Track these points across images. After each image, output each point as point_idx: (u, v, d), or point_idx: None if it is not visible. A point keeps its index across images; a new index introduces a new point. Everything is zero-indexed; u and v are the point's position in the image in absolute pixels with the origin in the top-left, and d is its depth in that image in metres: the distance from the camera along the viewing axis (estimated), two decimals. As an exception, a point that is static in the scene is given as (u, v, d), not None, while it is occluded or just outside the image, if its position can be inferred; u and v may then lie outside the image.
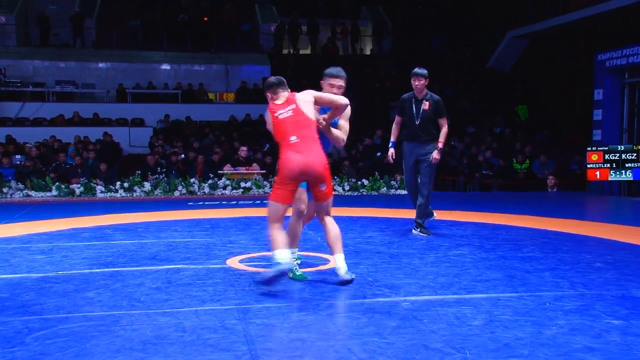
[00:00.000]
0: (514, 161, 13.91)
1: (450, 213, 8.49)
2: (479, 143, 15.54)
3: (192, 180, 11.95)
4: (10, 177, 11.68)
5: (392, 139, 6.85)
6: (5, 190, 11.02)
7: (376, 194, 11.87)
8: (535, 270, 4.75)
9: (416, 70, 6.59)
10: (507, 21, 20.81)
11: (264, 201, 10.55)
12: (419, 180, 6.70)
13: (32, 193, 11.18)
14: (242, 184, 11.88)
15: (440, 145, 6.53)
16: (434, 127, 6.56)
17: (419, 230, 6.67)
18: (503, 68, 21.45)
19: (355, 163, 13.71)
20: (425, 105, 6.55)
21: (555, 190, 12.27)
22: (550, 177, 12.43)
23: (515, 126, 17.79)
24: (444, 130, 6.54)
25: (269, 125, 4.46)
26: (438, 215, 7.12)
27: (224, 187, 11.87)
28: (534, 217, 8.12)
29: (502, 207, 9.38)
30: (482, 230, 6.92)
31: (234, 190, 11.83)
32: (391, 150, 6.81)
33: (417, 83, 6.55)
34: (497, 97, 19.79)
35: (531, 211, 8.71)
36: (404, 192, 11.95)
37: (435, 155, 6.51)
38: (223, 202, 10.42)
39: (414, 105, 6.61)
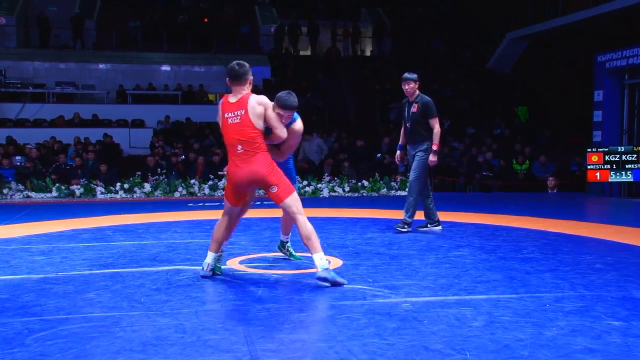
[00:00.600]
0: (514, 162, 13.91)
1: (451, 214, 8.49)
2: (479, 144, 15.54)
3: (192, 181, 11.95)
4: (10, 178, 11.68)
5: (400, 142, 7.09)
6: (5, 191, 11.02)
7: (376, 195, 11.87)
8: (535, 272, 4.75)
9: (405, 75, 6.83)
10: (506, 22, 20.82)
11: (264, 202, 10.55)
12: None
13: (33, 194, 11.18)
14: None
15: (434, 147, 6.64)
16: (424, 128, 6.71)
17: (401, 225, 6.81)
18: (503, 69, 21.46)
19: (356, 164, 13.70)
20: (414, 107, 6.76)
21: (555, 191, 12.27)
22: (551, 178, 12.43)
23: (515, 127, 17.80)
24: (435, 131, 6.65)
25: (219, 120, 4.46)
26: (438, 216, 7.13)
27: (224, 189, 11.86)
28: (534, 218, 8.12)
29: (502, 208, 9.38)
30: (482, 232, 6.92)
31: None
32: (397, 152, 7.13)
33: (406, 87, 6.80)
34: (497, 98, 19.81)
35: (531, 212, 8.71)
36: (404, 193, 11.96)
37: (431, 157, 6.63)
38: (223, 204, 10.40)
39: (406, 109, 6.88)
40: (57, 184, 11.41)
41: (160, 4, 22.68)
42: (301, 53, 22.72)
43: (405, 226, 6.79)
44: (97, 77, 19.77)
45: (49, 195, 11.19)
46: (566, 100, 18.69)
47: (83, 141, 14.92)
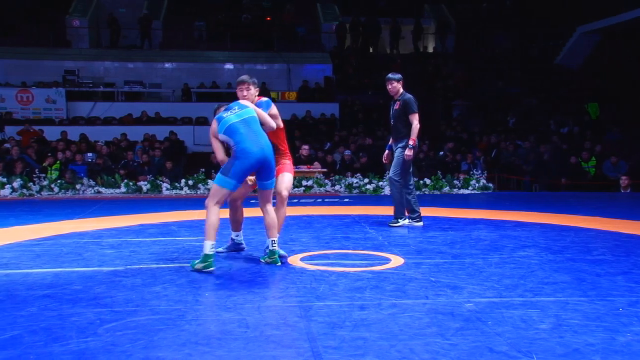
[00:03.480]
0: (581, 159, 13.44)
1: (515, 213, 8.29)
2: (546, 142, 15.09)
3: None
4: (82, 174, 12.16)
5: (389, 142, 7.35)
6: (78, 186, 11.48)
7: (438, 193, 11.71)
8: (606, 274, 4.57)
9: (389, 75, 7.07)
10: (577, 16, 20.10)
11: (325, 199, 10.55)
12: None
13: (103, 190, 11.60)
14: (304, 182, 11.95)
15: (410, 142, 6.82)
16: (404, 125, 6.95)
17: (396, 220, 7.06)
18: (572, 65, 20.74)
19: (418, 162, 13.55)
20: (396, 105, 6.98)
21: (629, 191, 11.77)
22: (624, 177, 11.93)
23: (585, 125, 17.18)
24: (413, 127, 6.84)
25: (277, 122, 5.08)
26: (499, 215, 7.03)
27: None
28: (605, 218, 7.81)
29: (570, 208, 9.07)
30: (548, 232, 6.71)
31: (296, 189, 11.91)
32: (385, 152, 7.38)
33: (389, 87, 7.02)
34: (566, 94, 19.17)
35: (602, 213, 8.39)
36: (467, 191, 11.75)
37: (407, 152, 6.84)
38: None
39: (391, 107, 7.16)
40: (126, 180, 11.79)
41: (224, 4, 23.08)
42: (363, 50, 22.63)
43: (414, 219, 7.06)
44: (163, 75, 20.33)
45: (117, 190, 11.58)
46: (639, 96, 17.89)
47: (150, 138, 15.37)
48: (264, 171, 4.85)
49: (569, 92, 19.26)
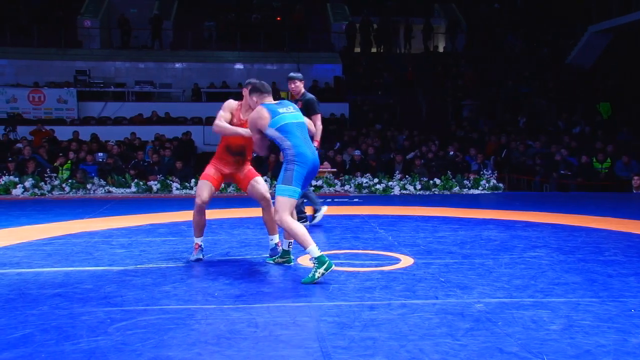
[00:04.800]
0: (594, 160, 13.34)
1: (526, 214, 8.25)
2: (557, 142, 15.01)
3: (264, 178, 12.12)
4: (93, 174, 12.22)
5: None
6: (89, 186, 11.54)
7: (448, 193, 11.67)
8: (618, 275, 4.54)
9: (292, 74, 6.93)
10: (588, 15, 19.97)
11: (335, 199, 10.54)
12: None
13: (113, 189, 11.64)
14: (313, 182, 11.95)
15: (315, 144, 6.39)
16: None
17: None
18: (583, 64, 20.61)
19: (428, 162, 13.52)
20: (299, 104, 6.72)
21: (640, 191, 11.67)
22: (636, 177, 11.83)
23: (596, 125, 17.06)
24: (316, 127, 6.53)
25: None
26: (509, 215, 6.98)
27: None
28: (617, 219, 7.75)
29: (581, 208, 9.01)
30: (559, 232, 6.67)
31: (305, 189, 11.91)
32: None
33: (292, 86, 6.84)
34: (577, 94, 19.05)
35: (614, 213, 8.33)
36: (477, 191, 11.70)
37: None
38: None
39: None
40: (136, 180, 11.84)
41: (234, 4, 23.13)
42: (372, 50, 22.60)
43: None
44: (174, 75, 20.41)
45: (128, 190, 11.63)
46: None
47: (159, 138, 15.42)
48: (308, 180, 4.61)
49: (580, 92, 19.14)
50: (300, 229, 4.39)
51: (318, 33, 22.19)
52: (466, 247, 5.76)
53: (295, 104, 6.91)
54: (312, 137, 5.12)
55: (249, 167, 5.21)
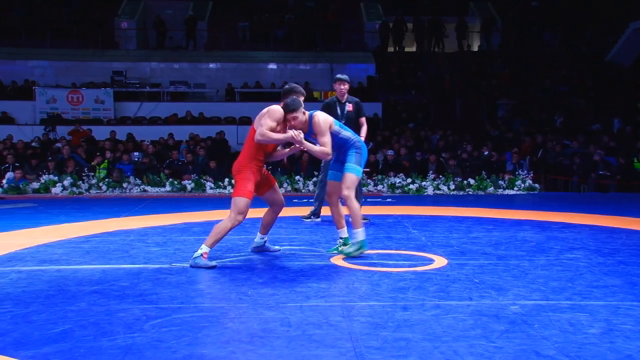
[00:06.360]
0: (635, 161, 13.01)
1: (563, 214, 8.09)
2: (596, 142, 14.68)
3: (297, 177, 12.15)
4: (129, 173, 12.42)
5: None
6: (125, 185, 11.74)
7: (482, 193, 11.53)
8: (659, 278, 4.42)
9: (339, 76, 7.39)
10: (629, 11, 19.48)
11: (368, 199, 10.51)
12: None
13: (148, 188, 11.82)
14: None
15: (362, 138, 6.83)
16: (355, 126, 6.97)
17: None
18: (624, 62, 20.11)
19: (462, 162, 13.38)
20: (349, 107, 7.23)
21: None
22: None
23: (636, 124, 16.64)
24: (364, 128, 7.19)
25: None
26: (546, 216, 6.87)
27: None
28: (657, 221, 7.55)
29: (621, 209, 8.80)
30: (598, 234, 6.52)
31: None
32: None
33: (342, 87, 7.24)
34: (617, 92, 18.61)
35: (654, 215, 8.12)
36: (512, 192, 11.53)
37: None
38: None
39: (338, 108, 7.23)
40: (170, 179, 11.99)
41: (268, 4, 23.24)
42: (406, 49, 22.45)
43: (312, 216, 7.51)
44: (208, 76, 20.60)
45: (162, 189, 11.79)
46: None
47: (194, 138, 15.58)
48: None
49: (619, 90, 18.69)
50: (358, 208, 5.14)
51: (351, 33, 22.13)
52: (501, 248, 5.68)
53: (344, 105, 7.24)
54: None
55: (266, 172, 5.36)
